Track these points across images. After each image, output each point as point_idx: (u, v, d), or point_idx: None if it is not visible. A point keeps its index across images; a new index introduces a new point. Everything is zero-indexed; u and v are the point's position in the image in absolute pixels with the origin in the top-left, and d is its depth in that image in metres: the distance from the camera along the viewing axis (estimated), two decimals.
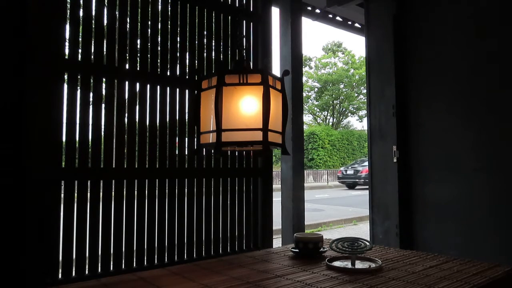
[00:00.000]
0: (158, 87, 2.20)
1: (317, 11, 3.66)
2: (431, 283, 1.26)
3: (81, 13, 1.98)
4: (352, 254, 1.48)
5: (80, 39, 1.97)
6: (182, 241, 2.24)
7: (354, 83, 29.77)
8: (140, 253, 2.09)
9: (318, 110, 31.83)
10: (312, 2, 3.58)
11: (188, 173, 2.30)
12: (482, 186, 2.69)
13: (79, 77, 1.94)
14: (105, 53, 2.02)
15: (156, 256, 2.14)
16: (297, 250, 1.70)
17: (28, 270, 1.71)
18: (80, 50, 1.96)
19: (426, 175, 3.00)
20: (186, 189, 2.29)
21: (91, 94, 1.97)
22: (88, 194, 1.95)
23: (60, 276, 1.84)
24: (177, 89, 2.28)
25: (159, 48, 2.23)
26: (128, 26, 2.13)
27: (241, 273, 1.41)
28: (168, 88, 2.24)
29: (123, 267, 2.02)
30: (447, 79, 2.92)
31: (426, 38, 3.06)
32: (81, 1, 1.98)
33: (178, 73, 2.30)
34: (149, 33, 2.19)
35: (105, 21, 2.04)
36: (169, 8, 2.29)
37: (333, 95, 30.37)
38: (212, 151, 2.38)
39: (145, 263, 2.11)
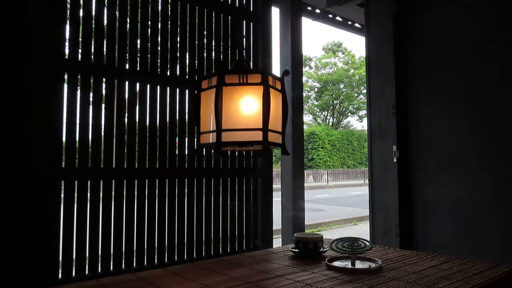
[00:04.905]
0: (158, 87, 2.20)
1: (317, 11, 3.66)
2: (431, 283, 1.26)
3: (81, 13, 1.98)
4: (352, 254, 1.48)
5: (80, 39, 1.97)
6: (182, 241, 2.24)
7: (354, 83, 29.79)
8: (140, 253, 2.09)
9: (318, 110, 31.84)
10: (312, 2, 3.58)
11: (188, 173, 2.30)
12: (482, 186, 2.69)
13: (79, 77, 1.94)
14: (105, 53, 2.02)
15: (156, 256, 2.14)
16: (297, 250, 1.70)
17: (28, 270, 1.71)
18: (80, 50, 1.96)
19: (426, 175, 3.00)
20: (186, 189, 2.29)
21: (91, 94, 1.97)
22: (88, 194, 1.95)
23: (60, 276, 1.85)
24: (177, 89, 2.28)
25: (159, 48, 2.23)
26: (128, 26, 2.13)
27: (241, 273, 1.41)
28: (168, 88, 2.24)
29: (123, 267, 2.02)
30: (447, 79, 2.92)
31: (426, 38, 3.06)
32: (81, 1, 1.98)
33: (178, 73, 2.30)
34: (149, 33, 2.20)
35: (105, 21, 2.04)
36: (169, 8, 2.29)
37: (333, 95, 30.38)
38: (212, 151, 2.38)
39: (145, 263, 2.11)
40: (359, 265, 1.49)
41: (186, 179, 2.29)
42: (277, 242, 2.77)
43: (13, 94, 1.72)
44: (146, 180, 2.13)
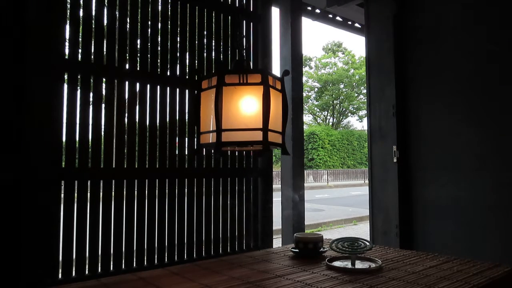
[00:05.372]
0: (158, 87, 2.20)
1: (317, 11, 3.66)
2: (431, 283, 1.26)
3: (81, 13, 1.98)
4: (352, 254, 1.48)
5: (80, 39, 1.97)
6: (182, 241, 2.24)
7: (354, 83, 29.79)
8: (140, 253, 2.09)
9: (318, 110, 31.84)
10: (312, 2, 3.58)
11: (188, 173, 2.30)
12: (482, 186, 2.69)
13: (79, 77, 1.94)
14: (105, 53, 2.02)
15: (156, 256, 2.14)
16: (297, 250, 1.70)
17: (28, 270, 1.71)
18: (80, 50, 1.96)
19: (426, 175, 3.00)
20: (186, 189, 2.29)
21: (91, 94, 1.97)
22: (88, 194, 1.95)
23: (60, 276, 1.85)
24: (177, 89, 2.28)
25: (159, 48, 2.23)
26: (128, 26, 2.13)
27: (241, 273, 1.41)
28: (168, 88, 2.24)
29: (123, 267, 2.02)
30: (447, 79, 2.92)
31: (426, 38, 3.06)
32: (81, 1, 1.98)
33: (178, 73, 2.30)
34: (149, 33, 2.19)
35: (105, 21, 2.04)
36: (169, 8, 2.29)
37: (333, 95, 30.39)
38: (212, 151, 2.38)
39: (145, 263, 2.11)
40: (359, 265, 1.49)
41: (186, 179, 2.29)
42: (277, 242, 2.77)
43: (13, 94, 1.72)
44: (146, 180, 2.13)
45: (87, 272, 1.91)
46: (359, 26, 4.06)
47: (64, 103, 1.88)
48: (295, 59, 2.91)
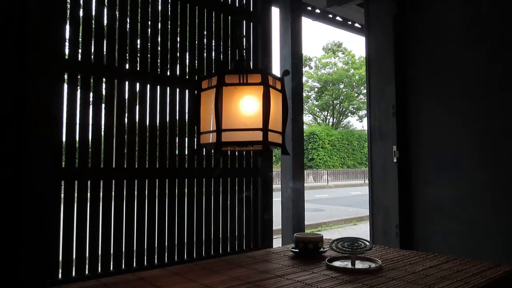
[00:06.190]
0: (158, 87, 2.21)
1: (317, 11, 3.66)
2: (431, 283, 1.26)
3: (81, 13, 1.98)
4: (352, 254, 1.48)
5: (80, 39, 1.97)
6: (182, 241, 2.24)
7: (354, 83, 29.80)
8: (140, 253, 2.09)
9: (318, 110, 31.85)
10: (312, 2, 3.58)
11: (188, 173, 2.30)
12: (482, 186, 2.69)
13: (79, 77, 1.94)
14: (105, 53, 2.02)
15: (156, 256, 2.14)
16: (297, 250, 1.70)
17: (28, 270, 1.71)
18: (80, 50, 1.96)
19: (426, 175, 3.00)
20: (186, 189, 2.29)
21: (91, 94, 1.97)
22: (88, 194, 1.95)
23: (60, 276, 1.85)
24: (177, 89, 2.28)
25: (159, 48, 2.23)
26: (128, 26, 2.13)
27: (241, 273, 1.41)
28: (168, 88, 2.24)
29: (123, 267, 2.02)
30: (447, 79, 2.92)
31: (426, 38, 3.06)
32: (81, 1, 1.98)
33: (178, 73, 2.30)
34: (149, 33, 2.19)
35: (105, 21, 2.04)
36: (169, 8, 2.29)
37: (333, 95, 30.39)
38: (212, 151, 2.38)
39: (145, 263, 2.10)
40: (359, 265, 1.49)
41: (186, 179, 2.29)
42: (277, 242, 2.77)
43: (13, 94, 1.71)
44: (146, 180, 2.13)
45: (87, 272, 1.91)
46: (359, 26, 4.06)
47: (64, 103, 1.88)
48: (295, 59, 2.91)
